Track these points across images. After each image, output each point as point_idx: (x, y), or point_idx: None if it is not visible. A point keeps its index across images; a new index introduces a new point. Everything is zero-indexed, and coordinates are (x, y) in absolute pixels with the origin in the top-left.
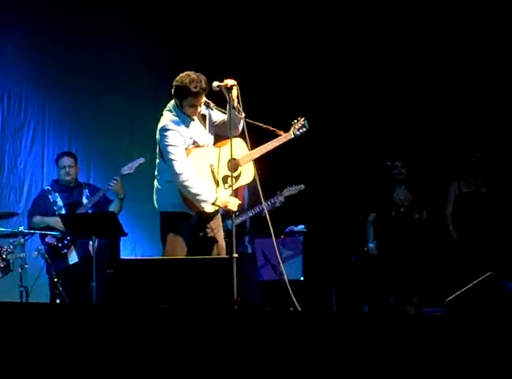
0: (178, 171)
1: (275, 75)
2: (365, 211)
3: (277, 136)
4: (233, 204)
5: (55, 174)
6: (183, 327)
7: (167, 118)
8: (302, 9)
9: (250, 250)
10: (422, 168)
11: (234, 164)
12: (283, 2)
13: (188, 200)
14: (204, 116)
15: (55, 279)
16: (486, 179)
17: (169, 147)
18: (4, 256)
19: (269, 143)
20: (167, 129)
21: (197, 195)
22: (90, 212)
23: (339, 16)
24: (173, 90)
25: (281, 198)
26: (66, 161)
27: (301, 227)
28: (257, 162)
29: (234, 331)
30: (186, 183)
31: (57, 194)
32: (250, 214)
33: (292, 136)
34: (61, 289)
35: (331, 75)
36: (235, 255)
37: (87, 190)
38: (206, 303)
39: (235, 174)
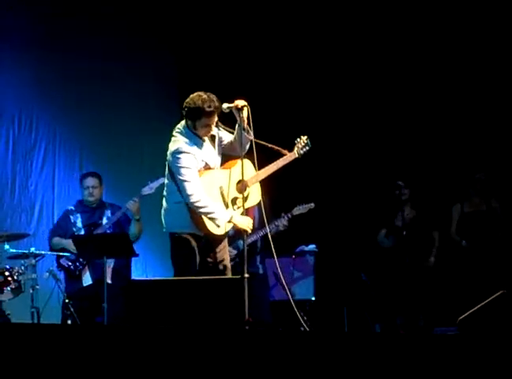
0: (190, 192)
1: (282, 93)
2: (374, 229)
3: (281, 155)
4: (248, 224)
5: (66, 194)
6: (195, 347)
7: (180, 140)
8: (307, 30)
9: (261, 270)
10: (426, 188)
11: (242, 186)
12: (289, 25)
13: (197, 221)
14: (213, 136)
15: (66, 300)
16: (490, 197)
17: (182, 169)
18: (15, 277)
19: (275, 163)
20: (180, 152)
21: (211, 213)
22: (108, 232)
23: (347, 38)
24: (185, 112)
25: (284, 221)
26: (90, 181)
27: (312, 246)
28: (267, 181)
29: (245, 351)
30: (198, 203)
31: (78, 215)
32: (261, 234)
33: (297, 155)
34: (72, 310)
35: (338, 94)
36: (246, 275)
37: (109, 211)
38: (218, 323)
39: (245, 195)
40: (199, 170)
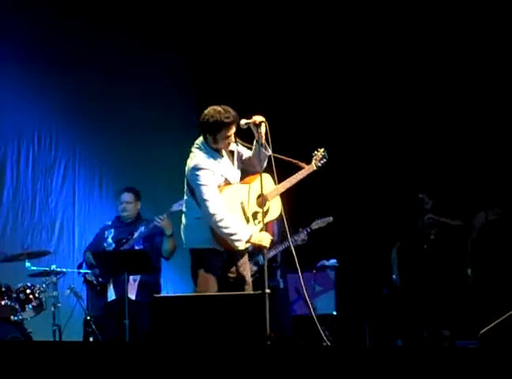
0: (212, 212)
1: (299, 104)
2: (391, 241)
3: (300, 168)
4: (266, 240)
5: (86, 212)
6: (217, 363)
7: (198, 155)
8: (326, 40)
9: (282, 285)
10: (449, 198)
11: (263, 200)
12: (306, 34)
13: (218, 236)
14: (232, 152)
15: (88, 317)
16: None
17: (202, 186)
18: (37, 295)
19: (294, 176)
20: (199, 168)
21: (233, 235)
22: (137, 246)
23: (367, 52)
24: (203, 127)
25: (303, 236)
26: (125, 197)
27: (333, 261)
28: (285, 195)
29: (267, 366)
30: (220, 223)
31: (112, 230)
32: (281, 248)
33: (315, 168)
34: (94, 327)
35: (357, 105)
36: (268, 291)
37: (143, 226)
38: (240, 339)
39: (265, 210)
40: (219, 186)
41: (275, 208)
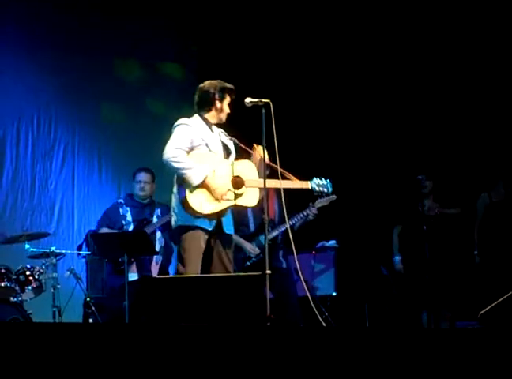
0: (166, 149)
1: (304, 94)
2: (391, 223)
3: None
4: (220, 191)
5: (86, 194)
6: (216, 344)
7: (183, 119)
8: (329, 37)
9: (284, 265)
10: (450, 179)
11: (238, 182)
12: (313, 34)
13: (186, 205)
14: (223, 144)
15: (88, 299)
16: None
17: (171, 137)
18: (36, 276)
19: (285, 182)
20: (177, 125)
21: (189, 169)
22: (159, 232)
23: (370, 49)
24: (210, 95)
25: (314, 210)
26: (143, 176)
27: (332, 242)
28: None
29: (267, 348)
30: (175, 159)
31: (128, 208)
32: (283, 228)
33: (309, 187)
34: (93, 308)
35: (356, 91)
36: (268, 271)
37: (159, 210)
38: (239, 320)
39: (238, 192)
40: (196, 147)
41: (252, 197)
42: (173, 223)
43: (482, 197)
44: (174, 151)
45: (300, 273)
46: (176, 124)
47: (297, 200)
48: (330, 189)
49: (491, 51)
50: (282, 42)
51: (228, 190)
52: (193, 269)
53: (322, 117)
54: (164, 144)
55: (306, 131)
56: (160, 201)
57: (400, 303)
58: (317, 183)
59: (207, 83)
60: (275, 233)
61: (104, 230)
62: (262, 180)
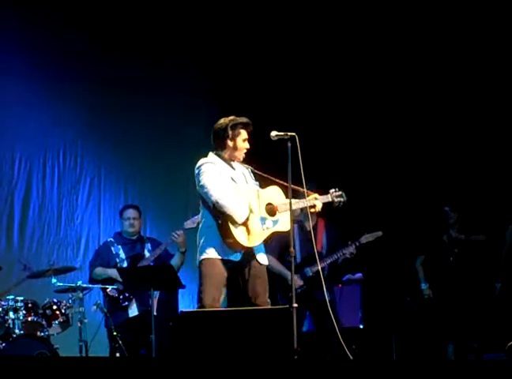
0: (211, 193)
1: (326, 118)
2: (415, 254)
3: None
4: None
5: (112, 228)
6: (244, 378)
7: (205, 158)
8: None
9: (328, 298)
10: (475, 211)
11: (271, 209)
12: (327, 51)
13: (229, 241)
14: (243, 173)
15: (114, 333)
16: None
17: (202, 176)
18: (63, 311)
19: (307, 199)
20: (202, 164)
21: (235, 208)
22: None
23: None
24: (220, 134)
25: (352, 249)
26: (131, 213)
27: (358, 275)
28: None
29: None
30: (222, 202)
31: (120, 246)
32: (329, 261)
33: (330, 199)
34: (120, 342)
35: (381, 119)
36: (295, 305)
37: (149, 244)
38: (266, 354)
39: (273, 219)
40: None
41: (285, 221)
42: (198, 258)
43: (510, 228)
44: (217, 191)
45: (329, 307)
46: (199, 164)
47: (348, 233)
48: (345, 197)
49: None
50: (301, 73)
51: (266, 219)
52: (210, 299)
53: (348, 149)
54: (192, 176)
55: (331, 162)
56: (149, 236)
57: (426, 335)
58: (333, 194)
59: (220, 121)
60: (322, 265)
61: (99, 269)
62: (291, 202)
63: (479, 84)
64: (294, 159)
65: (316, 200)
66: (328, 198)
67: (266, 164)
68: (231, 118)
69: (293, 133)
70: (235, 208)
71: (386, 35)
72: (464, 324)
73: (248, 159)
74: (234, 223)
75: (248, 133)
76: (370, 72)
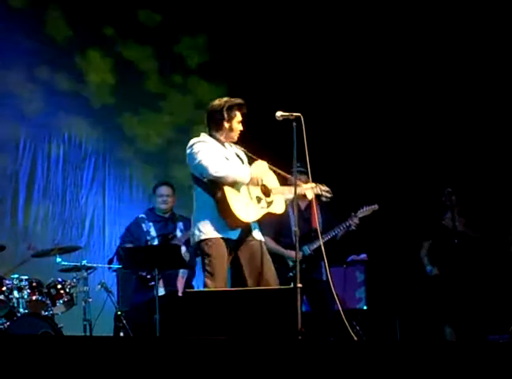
0: (206, 165)
1: (332, 104)
2: (420, 237)
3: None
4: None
5: (116, 207)
6: (246, 358)
7: (196, 138)
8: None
9: (324, 277)
10: (479, 194)
11: (266, 190)
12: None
13: (226, 213)
14: (236, 153)
15: (119, 312)
16: None
17: (196, 155)
18: (67, 290)
19: (300, 188)
20: (194, 143)
21: (237, 174)
22: (184, 248)
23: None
24: (216, 116)
25: (356, 220)
26: (164, 190)
27: (363, 256)
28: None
29: (298, 361)
30: (220, 173)
31: (151, 224)
32: (326, 238)
33: (319, 192)
34: (124, 322)
35: (386, 100)
36: (299, 285)
37: (181, 223)
38: (270, 334)
39: (268, 200)
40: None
41: (279, 204)
42: (196, 238)
43: None
44: (215, 165)
45: (332, 287)
46: (191, 144)
47: (340, 210)
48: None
49: None
50: (311, 55)
51: (261, 199)
52: (220, 280)
53: (352, 132)
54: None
55: (336, 145)
56: (181, 215)
57: (427, 316)
58: (320, 188)
59: (215, 102)
60: (318, 244)
61: (128, 246)
62: (285, 188)
63: (480, 67)
64: (299, 140)
65: (308, 190)
66: (317, 191)
67: (267, 146)
68: (226, 99)
69: (298, 114)
70: (236, 171)
71: (391, 18)
72: (468, 305)
73: (248, 141)
74: (233, 196)
75: (242, 115)
76: (373, 53)
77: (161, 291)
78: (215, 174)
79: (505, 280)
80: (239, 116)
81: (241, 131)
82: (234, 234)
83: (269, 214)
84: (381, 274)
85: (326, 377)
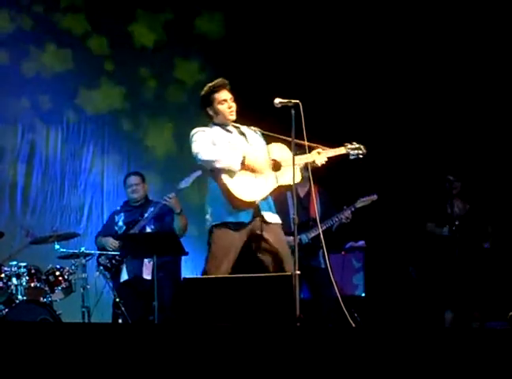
0: (196, 150)
1: (332, 89)
2: (422, 222)
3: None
4: (260, 166)
5: (115, 194)
6: (245, 345)
7: (197, 128)
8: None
9: (323, 265)
10: (481, 180)
11: (276, 164)
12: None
13: (234, 199)
14: (243, 134)
15: (117, 299)
16: None
17: (193, 145)
18: (66, 277)
19: (311, 154)
20: (193, 134)
21: (224, 158)
22: (149, 228)
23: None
24: (202, 103)
25: (347, 214)
26: (133, 180)
27: (361, 242)
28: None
29: (296, 348)
30: (208, 157)
31: (122, 214)
32: (324, 227)
33: (344, 151)
34: (123, 309)
35: (390, 88)
36: (297, 272)
37: (152, 207)
38: (268, 321)
39: (278, 173)
40: (219, 144)
41: (290, 175)
42: (208, 224)
43: None
44: (206, 150)
45: (331, 273)
46: (191, 134)
47: (339, 198)
48: (364, 150)
49: None
50: (308, 40)
51: (268, 175)
52: (216, 267)
53: (351, 119)
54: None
55: (335, 132)
56: (156, 200)
57: (425, 302)
58: (350, 147)
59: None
60: (316, 232)
61: (99, 239)
62: (298, 157)
63: (479, 55)
64: (297, 127)
65: (319, 155)
66: (340, 151)
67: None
68: (208, 85)
69: (297, 101)
70: (225, 158)
71: (389, 6)
72: (467, 292)
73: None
74: (232, 179)
75: (226, 94)
76: (374, 39)
77: (124, 276)
78: (206, 161)
79: (504, 267)
80: (218, 97)
81: (233, 109)
82: (246, 218)
83: (279, 188)
84: (379, 260)
85: (325, 364)
